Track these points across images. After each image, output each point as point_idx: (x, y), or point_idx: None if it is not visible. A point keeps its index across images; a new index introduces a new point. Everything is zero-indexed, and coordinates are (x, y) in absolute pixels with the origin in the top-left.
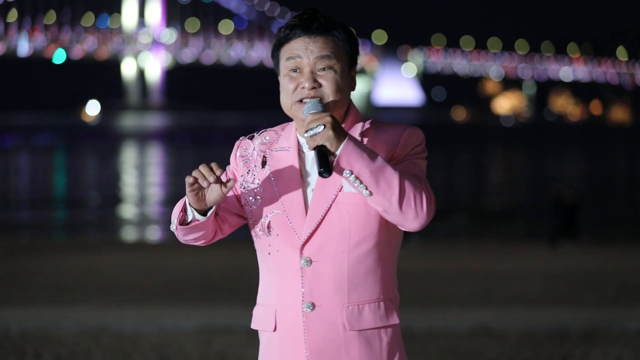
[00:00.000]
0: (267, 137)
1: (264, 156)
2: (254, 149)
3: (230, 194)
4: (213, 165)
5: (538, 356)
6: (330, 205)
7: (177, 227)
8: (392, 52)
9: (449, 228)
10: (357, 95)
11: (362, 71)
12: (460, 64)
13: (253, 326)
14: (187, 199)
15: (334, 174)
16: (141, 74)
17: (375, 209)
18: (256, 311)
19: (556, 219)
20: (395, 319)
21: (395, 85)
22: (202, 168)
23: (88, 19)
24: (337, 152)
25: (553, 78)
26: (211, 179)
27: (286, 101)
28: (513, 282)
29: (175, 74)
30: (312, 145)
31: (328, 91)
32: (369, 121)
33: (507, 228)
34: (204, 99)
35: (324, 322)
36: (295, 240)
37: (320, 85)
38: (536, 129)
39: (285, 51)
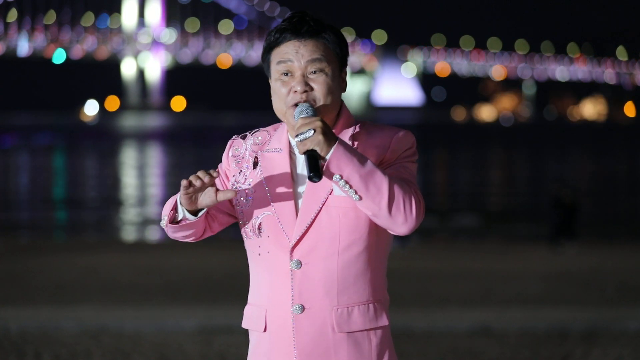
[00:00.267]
0: (260, 138)
1: (255, 157)
2: (246, 149)
3: None
4: (212, 171)
5: (538, 356)
6: (321, 208)
7: (167, 225)
8: (392, 52)
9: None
10: (357, 95)
11: (362, 71)
12: (460, 64)
13: (244, 325)
14: (179, 199)
15: (324, 178)
16: (141, 74)
17: (365, 213)
18: (247, 310)
19: (556, 219)
20: (384, 321)
21: (395, 85)
22: (199, 172)
23: (88, 19)
24: (327, 157)
25: (553, 78)
26: (206, 179)
27: (280, 105)
28: (513, 282)
29: (175, 74)
30: (302, 150)
31: (320, 94)
32: (359, 124)
33: (507, 228)
34: (204, 99)
35: (313, 324)
36: (285, 242)
37: (312, 89)
38: (537, 128)
39: (276, 55)
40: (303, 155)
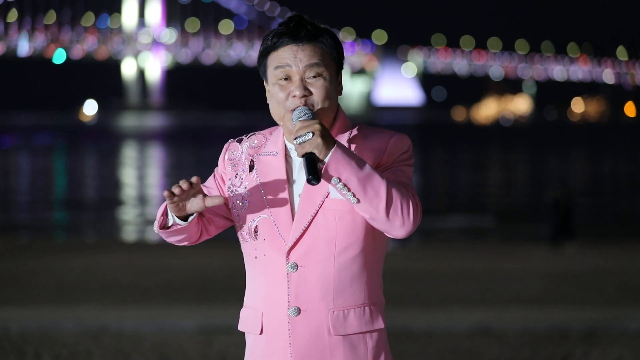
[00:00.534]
0: (256, 141)
1: (251, 160)
2: (242, 153)
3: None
4: (192, 179)
5: (538, 356)
6: (317, 211)
7: (158, 230)
8: (392, 52)
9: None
10: (357, 95)
11: (362, 71)
12: (460, 64)
13: (240, 328)
14: (168, 206)
15: (321, 181)
16: (141, 74)
17: (361, 216)
18: (243, 313)
19: (555, 219)
20: (380, 324)
21: (395, 85)
22: (180, 182)
23: (88, 19)
24: (326, 160)
25: (553, 78)
26: (184, 186)
27: (278, 110)
28: (513, 282)
29: (175, 74)
30: (300, 152)
31: (318, 98)
32: (356, 127)
33: (507, 228)
34: (204, 98)
35: (309, 326)
36: (281, 245)
37: (310, 93)
38: (536, 128)
39: (274, 59)
40: (299, 159)
